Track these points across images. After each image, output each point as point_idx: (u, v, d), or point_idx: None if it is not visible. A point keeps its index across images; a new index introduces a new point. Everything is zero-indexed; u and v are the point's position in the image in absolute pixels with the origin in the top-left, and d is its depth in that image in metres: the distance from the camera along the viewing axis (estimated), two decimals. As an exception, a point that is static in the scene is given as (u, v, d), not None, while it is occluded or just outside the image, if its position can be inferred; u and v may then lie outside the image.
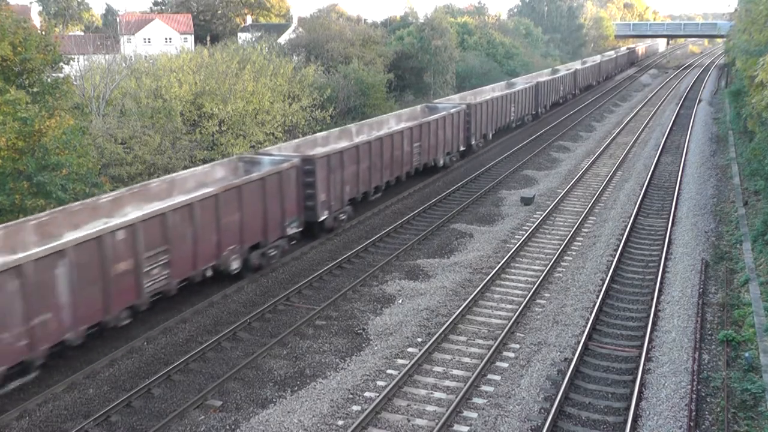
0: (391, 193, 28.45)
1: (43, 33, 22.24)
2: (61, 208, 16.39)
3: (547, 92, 51.16)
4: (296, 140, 25.46)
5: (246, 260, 19.41)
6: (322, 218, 22.46)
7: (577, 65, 70.54)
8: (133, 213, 16.95)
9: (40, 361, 13.86)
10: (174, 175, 20.22)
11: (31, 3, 74.23)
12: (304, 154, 22.39)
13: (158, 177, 22.66)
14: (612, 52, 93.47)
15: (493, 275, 19.81)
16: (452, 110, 33.05)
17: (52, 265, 13.74)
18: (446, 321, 17.10)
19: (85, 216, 16.58)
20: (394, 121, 31.73)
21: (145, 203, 18.06)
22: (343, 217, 23.99)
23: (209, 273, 18.23)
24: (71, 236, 14.75)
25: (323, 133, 26.96)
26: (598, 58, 79.67)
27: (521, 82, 49.22)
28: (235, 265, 18.95)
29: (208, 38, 55.74)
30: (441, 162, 32.56)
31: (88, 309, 14.66)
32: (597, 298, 18.50)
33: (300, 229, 21.79)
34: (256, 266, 19.90)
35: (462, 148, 34.96)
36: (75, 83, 27.15)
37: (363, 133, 28.50)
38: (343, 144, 24.89)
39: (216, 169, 21.13)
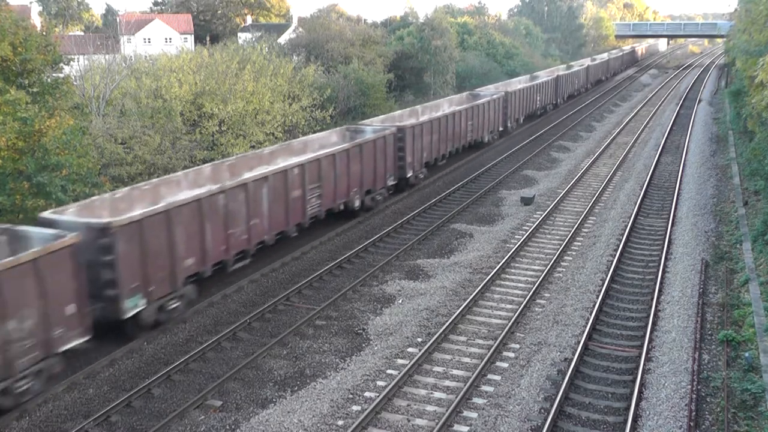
0: (452, 161, 34.73)
1: (44, 33, 22.23)
2: (241, 154, 24.00)
3: (565, 84, 58.43)
4: (381, 116, 31.66)
5: (362, 201, 25.55)
6: (408, 175, 28.75)
7: (587, 62, 75.83)
8: (295, 159, 23.07)
9: (252, 252, 19.87)
10: (304, 138, 26.97)
11: (31, 3, 74.23)
12: (397, 124, 28.12)
13: (158, 177, 22.68)
14: (617, 51, 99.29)
15: (493, 275, 19.81)
16: (494, 96, 39.94)
17: (260, 186, 19.88)
18: (446, 321, 17.11)
19: (255, 162, 22.99)
20: (446, 105, 38.67)
21: (292, 156, 24.44)
22: (421, 176, 30.24)
23: (341, 207, 24.38)
24: (268, 169, 21.19)
25: (398, 112, 33.38)
26: (605, 56, 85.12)
27: (543, 75, 56.20)
28: (357, 203, 25.28)
29: (208, 38, 55.70)
30: (486, 139, 38.97)
31: (277, 220, 20.89)
32: (597, 298, 18.50)
33: (395, 182, 27.91)
34: (369, 206, 26.08)
35: (501, 129, 41.73)
36: (75, 83, 27.14)
37: (426, 113, 34.70)
38: (423, 118, 31.05)
39: (331, 135, 27.44)
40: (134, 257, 15.61)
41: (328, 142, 26.82)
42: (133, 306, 15.71)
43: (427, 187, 30.35)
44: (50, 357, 13.77)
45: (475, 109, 36.48)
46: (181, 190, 19.53)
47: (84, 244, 14.53)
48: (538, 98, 49.73)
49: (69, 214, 16.03)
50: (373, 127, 28.15)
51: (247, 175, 20.29)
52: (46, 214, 15.75)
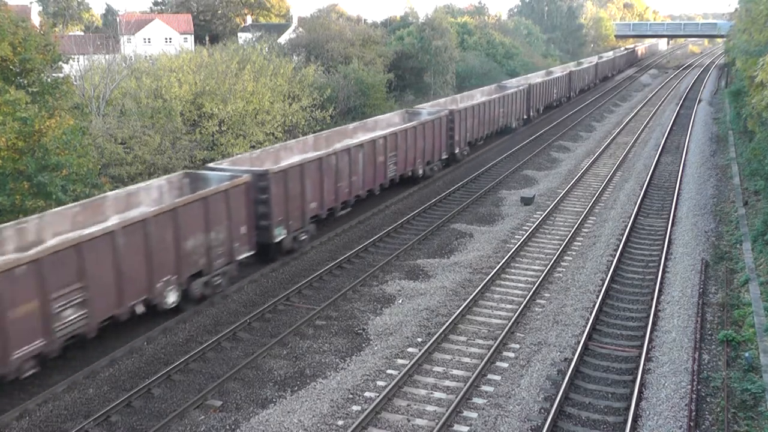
0: (486, 144, 38.69)
1: (43, 33, 22.21)
2: (332, 130, 28.68)
3: (577, 79, 61.92)
4: (429, 102, 35.69)
5: (423, 170, 29.75)
6: (456, 151, 32.68)
7: (595, 59, 78.45)
8: (371, 134, 27.89)
9: (351, 203, 24.95)
10: (374, 118, 32.02)
11: (30, 3, 74.19)
12: (449, 108, 32.24)
13: (158, 176, 22.70)
14: (621, 50, 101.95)
15: (493, 275, 19.81)
16: (520, 88, 44.70)
17: (358, 151, 25.24)
18: (446, 321, 17.10)
19: (342, 136, 27.88)
20: (479, 95, 43.50)
21: (367, 132, 29.01)
22: (465, 153, 34.53)
23: (410, 173, 28.49)
24: (365, 137, 26.71)
25: (441, 99, 37.09)
26: (611, 54, 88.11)
27: (558, 71, 58.34)
28: (420, 172, 30.36)
29: (207, 38, 55.73)
30: (513, 125, 43.61)
31: (368, 179, 26.01)
32: (597, 298, 18.50)
33: (446, 157, 32.25)
34: (428, 175, 30.34)
35: (525, 117, 46.22)
36: (75, 83, 27.14)
37: (465, 101, 39.18)
38: (465, 105, 35.55)
39: (394, 116, 31.84)
40: (281, 198, 20.68)
41: (392, 121, 31.83)
42: (279, 234, 20.83)
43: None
44: (231, 263, 19.00)
45: (505, 98, 41.42)
46: (294, 154, 24.48)
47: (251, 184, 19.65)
48: (555, 91, 54.67)
49: (228, 164, 21.53)
50: (428, 110, 33.60)
51: (348, 142, 25.95)
52: (214, 165, 21.23)
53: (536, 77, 54.61)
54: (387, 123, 31.05)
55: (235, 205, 18.74)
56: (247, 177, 19.38)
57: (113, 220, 16.34)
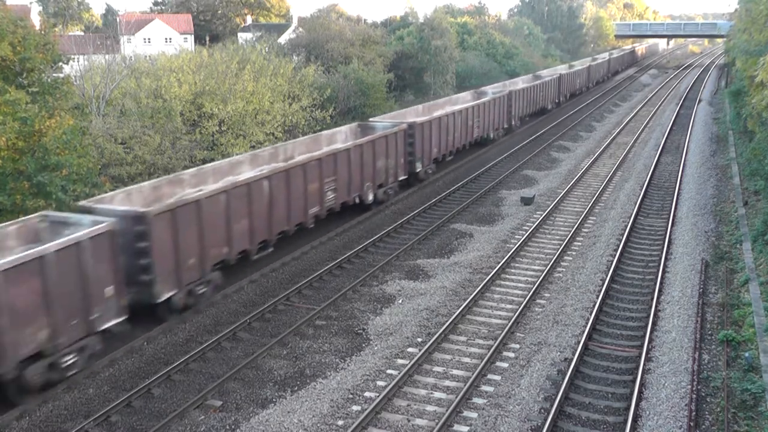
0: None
1: (42, 32, 22.20)
2: (404, 110, 35.14)
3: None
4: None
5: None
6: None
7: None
8: (445, 110, 34.29)
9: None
10: (425, 104, 36.88)
11: (30, 3, 74.20)
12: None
13: (158, 177, 22.70)
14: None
15: (493, 275, 19.81)
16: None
17: (431, 126, 30.50)
18: (446, 321, 17.10)
19: (415, 114, 33.67)
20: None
21: (432, 111, 34.82)
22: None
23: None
24: (439, 113, 32.81)
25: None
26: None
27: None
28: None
29: (207, 38, 55.74)
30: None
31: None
32: (597, 298, 18.50)
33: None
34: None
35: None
36: (75, 83, 27.14)
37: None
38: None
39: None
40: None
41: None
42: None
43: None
44: (396, 183, 28.19)
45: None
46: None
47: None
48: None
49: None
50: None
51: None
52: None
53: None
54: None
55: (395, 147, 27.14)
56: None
57: (340, 145, 24.11)
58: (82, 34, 70.44)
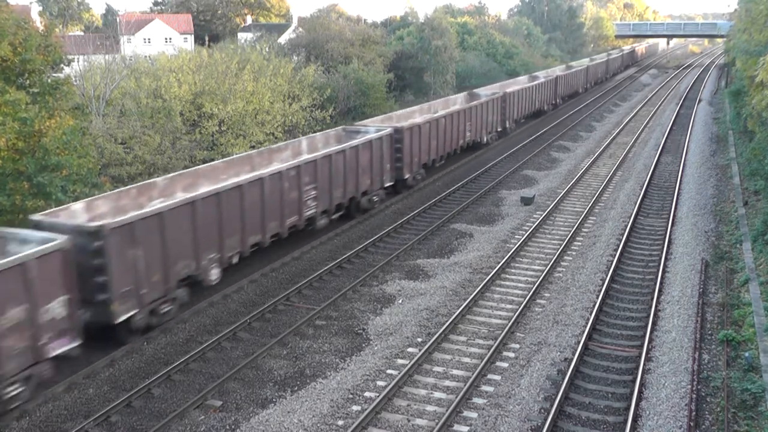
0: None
1: (44, 34, 22.19)
2: (415, 108, 35.82)
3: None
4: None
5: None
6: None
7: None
8: (459, 106, 36.32)
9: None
10: (415, 107, 36.22)
11: (31, 3, 74.24)
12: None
13: (158, 176, 22.69)
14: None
15: (493, 275, 19.81)
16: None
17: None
18: (446, 321, 17.10)
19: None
20: (498, 87, 46.28)
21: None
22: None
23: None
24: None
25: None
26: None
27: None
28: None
29: (206, 38, 55.75)
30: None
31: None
32: (597, 298, 18.50)
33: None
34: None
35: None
36: (75, 83, 27.13)
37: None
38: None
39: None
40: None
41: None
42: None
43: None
44: (493, 133, 36.61)
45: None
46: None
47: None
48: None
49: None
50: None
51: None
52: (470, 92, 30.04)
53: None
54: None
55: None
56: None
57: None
58: (82, 34, 70.45)
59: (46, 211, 16.19)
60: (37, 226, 15.21)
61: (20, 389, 13.28)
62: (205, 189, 18.46)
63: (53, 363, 14.01)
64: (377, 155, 26.17)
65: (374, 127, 27.90)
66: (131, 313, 15.67)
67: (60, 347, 14.08)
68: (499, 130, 41.20)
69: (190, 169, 21.08)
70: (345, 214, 24.99)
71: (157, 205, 17.21)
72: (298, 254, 22.12)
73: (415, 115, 34.19)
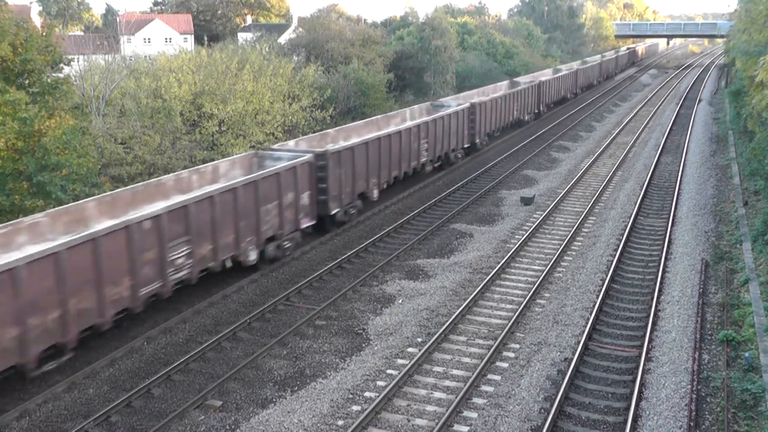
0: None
1: (44, 34, 22.20)
2: (489, 86, 43.42)
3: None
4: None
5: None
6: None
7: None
8: (470, 101, 36.74)
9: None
10: (398, 111, 35.42)
11: (31, 3, 74.23)
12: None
13: (158, 176, 22.68)
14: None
15: (493, 275, 19.81)
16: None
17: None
18: (446, 321, 17.10)
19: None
20: (505, 87, 48.09)
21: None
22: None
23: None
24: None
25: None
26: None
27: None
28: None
29: (205, 38, 55.75)
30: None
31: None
32: (597, 298, 18.50)
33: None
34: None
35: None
36: (75, 83, 27.13)
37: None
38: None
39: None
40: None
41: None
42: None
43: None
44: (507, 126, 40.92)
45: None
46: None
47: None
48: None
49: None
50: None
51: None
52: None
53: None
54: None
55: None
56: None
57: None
58: (82, 34, 70.45)
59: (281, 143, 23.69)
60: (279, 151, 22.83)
61: (289, 244, 21.27)
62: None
63: (302, 233, 21.91)
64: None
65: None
66: (336, 210, 23.43)
67: (306, 223, 22.11)
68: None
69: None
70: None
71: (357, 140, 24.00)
72: (298, 254, 22.12)
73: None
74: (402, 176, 28.94)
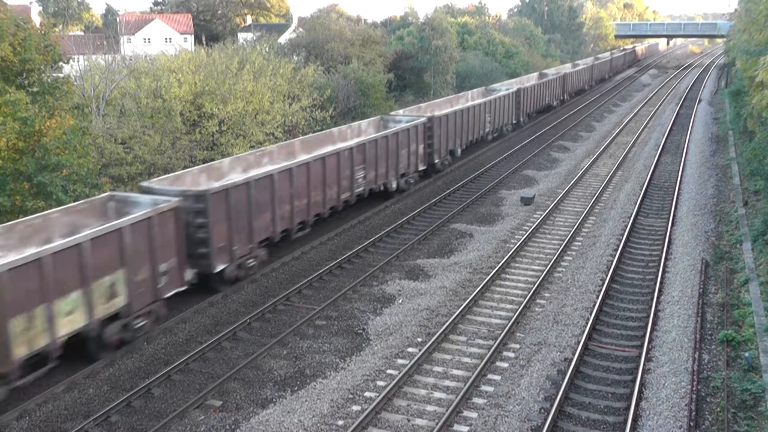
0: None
1: (43, 33, 22.20)
2: (459, 94, 43.52)
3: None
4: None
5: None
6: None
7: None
8: (501, 92, 42.06)
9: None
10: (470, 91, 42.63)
11: (31, 3, 74.22)
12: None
13: (158, 176, 22.68)
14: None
15: (493, 275, 19.81)
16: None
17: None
18: (446, 321, 17.11)
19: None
20: (526, 80, 54.96)
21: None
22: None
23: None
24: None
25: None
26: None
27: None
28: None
29: (203, 38, 55.72)
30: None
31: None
32: (597, 298, 18.50)
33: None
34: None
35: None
36: (75, 83, 27.13)
37: (498, 92, 44.13)
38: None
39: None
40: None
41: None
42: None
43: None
44: (511, 124, 44.20)
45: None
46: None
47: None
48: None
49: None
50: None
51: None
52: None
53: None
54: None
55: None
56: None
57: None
58: (82, 34, 70.45)
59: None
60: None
61: (413, 180, 28.74)
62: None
63: (418, 174, 29.54)
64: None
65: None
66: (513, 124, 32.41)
67: (421, 167, 29.78)
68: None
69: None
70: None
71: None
72: (298, 254, 22.12)
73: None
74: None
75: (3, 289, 12.82)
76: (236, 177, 20.54)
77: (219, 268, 18.50)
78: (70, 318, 14.21)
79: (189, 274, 17.64)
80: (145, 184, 18.63)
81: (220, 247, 18.41)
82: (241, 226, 19.22)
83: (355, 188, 25.00)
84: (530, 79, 57.10)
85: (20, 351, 13.29)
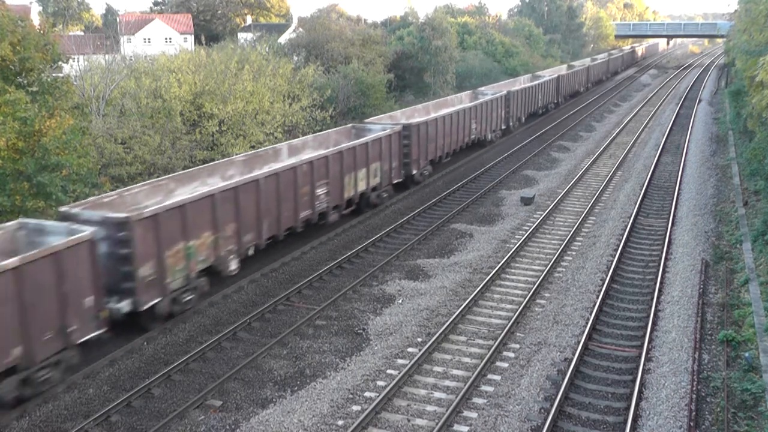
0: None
1: (42, 32, 22.18)
2: (440, 99, 42.42)
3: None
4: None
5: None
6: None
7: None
8: (488, 96, 41.14)
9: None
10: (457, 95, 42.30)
11: (30, 3, 74.15)
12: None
13: (158, 177, 22.67)
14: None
15: (493, 275, 19.81)
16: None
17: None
18: (446, 321, 17.10)
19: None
20: (522, 81, 54.72)
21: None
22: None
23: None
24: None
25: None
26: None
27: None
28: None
29: (203, 38, 55.71)
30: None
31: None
32: (597, 298, 18.50)
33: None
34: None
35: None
36: (75, 83, 27.13)
37: (517, 84, 49.38)
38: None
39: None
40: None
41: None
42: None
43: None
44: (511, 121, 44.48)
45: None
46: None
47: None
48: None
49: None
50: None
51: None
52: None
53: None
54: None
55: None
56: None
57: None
58: (82, 34, 70.43)
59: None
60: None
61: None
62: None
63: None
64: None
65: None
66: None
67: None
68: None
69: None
70: None
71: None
72: (298, 254, 22.12)
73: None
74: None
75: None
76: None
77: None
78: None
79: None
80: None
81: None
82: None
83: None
84: (522, 82, 56.35)
85: None
